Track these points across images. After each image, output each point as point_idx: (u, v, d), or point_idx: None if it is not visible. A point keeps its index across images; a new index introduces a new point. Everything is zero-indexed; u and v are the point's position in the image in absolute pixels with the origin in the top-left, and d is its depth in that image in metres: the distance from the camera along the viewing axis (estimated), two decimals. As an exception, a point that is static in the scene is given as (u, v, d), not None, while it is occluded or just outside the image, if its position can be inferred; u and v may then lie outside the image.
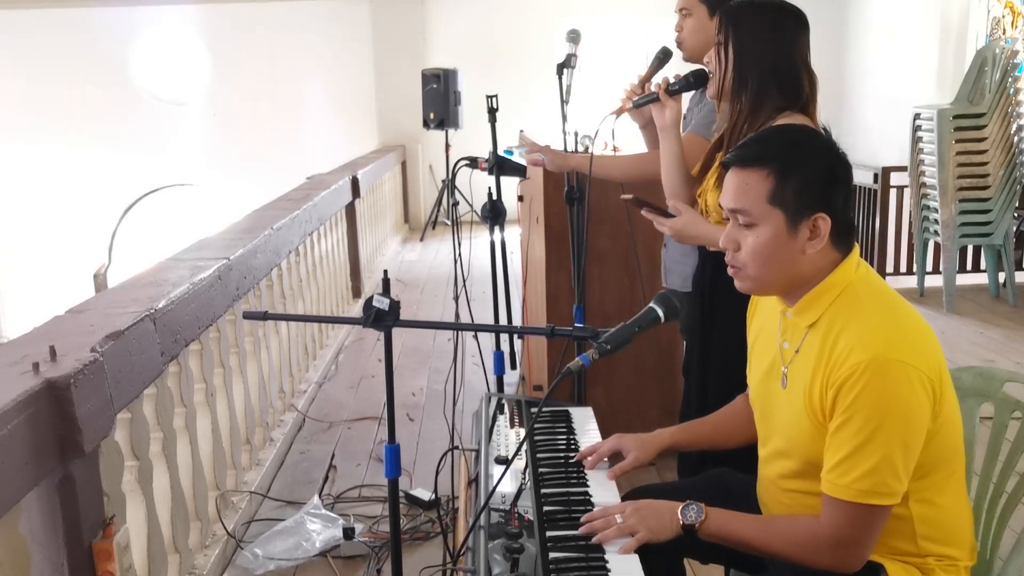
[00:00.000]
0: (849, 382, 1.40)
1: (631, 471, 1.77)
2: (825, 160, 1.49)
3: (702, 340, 2.28)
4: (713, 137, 2.27)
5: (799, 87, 2.04)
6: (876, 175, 6.31)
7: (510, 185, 3.25)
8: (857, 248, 1.54)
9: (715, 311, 2.23)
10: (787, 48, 2.04)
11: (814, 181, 1.46)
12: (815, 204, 1.46)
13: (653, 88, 2.29)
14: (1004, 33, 7.05)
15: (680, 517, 1.53)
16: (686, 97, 2.38)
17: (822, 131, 1.55)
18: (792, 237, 1.47)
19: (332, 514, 3.04)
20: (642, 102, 2.32)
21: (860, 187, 6.33)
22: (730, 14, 2.09)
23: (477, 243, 3.60)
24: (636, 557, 1.46)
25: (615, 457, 1.80)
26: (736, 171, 1.51)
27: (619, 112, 2.45)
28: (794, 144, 1.51)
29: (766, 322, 1.68)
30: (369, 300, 1.65)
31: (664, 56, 2.56)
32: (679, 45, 2.60)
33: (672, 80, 2.29)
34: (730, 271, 1.57)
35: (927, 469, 1.47)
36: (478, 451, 1.88)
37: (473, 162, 2.84)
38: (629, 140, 2.75)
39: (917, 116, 5.71)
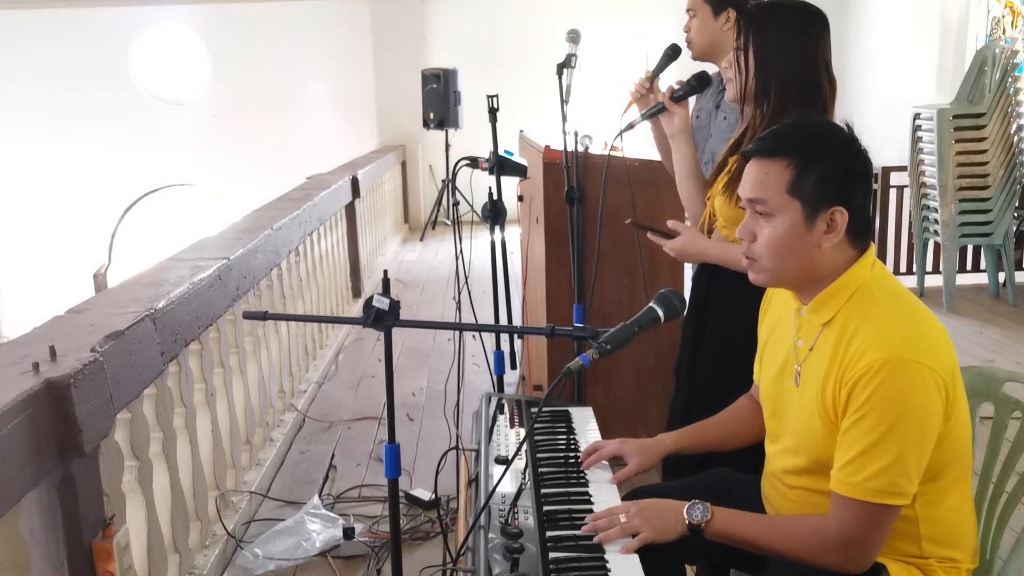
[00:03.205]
0: (863, 380, 1.40)
1: (633, 478, 1.78)
2: (845, 154, 1.49)
3: (694, 341, 2.28)
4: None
5: (819, 94, 2.01)
6: (876, 175, 6.31)
7: (510, 185, 3.25)
8: (873, 247, 1.54)
9: (708, 313, 2.23)
10: (811, 54, 2.00)
11: (833, 174, 1.47)
12: (833, 197, 1.46)
13: (659, 98, 2.31)
14: (1004, 33, 7.05)
15: (686, 516, 1.53)
16: (690, 102, 2.39)
17: (844, 127, 1.54)
18: (808, 229, 1.47)
19: (332, 514, 3.04)
20: (650, 114, 2.34)
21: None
22: (752, 17, 2.04)
23: (477, 243, 3.60)
24: (636, 558, 1.45)
25: (617, 461, 1.80)
26: (757, 161, 1.51)
27: (627, 108, 2.47)
28: (815, 137, 1.51)
29: (779, 320, 1.68)
30: (369, 300, 1.65)
31: (673, 53, 2.56)
32: (688, 45, 2.61)
33: (676, 86, 2.30)
34: (744, 263, 1.57)
35: (936, 471, 1.47)
36: (478, 451, 1.88)
37: (473, 162, 2.84)
38: (632, 141, 2.75)
39: (917, 116, 5.71)
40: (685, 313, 2.29)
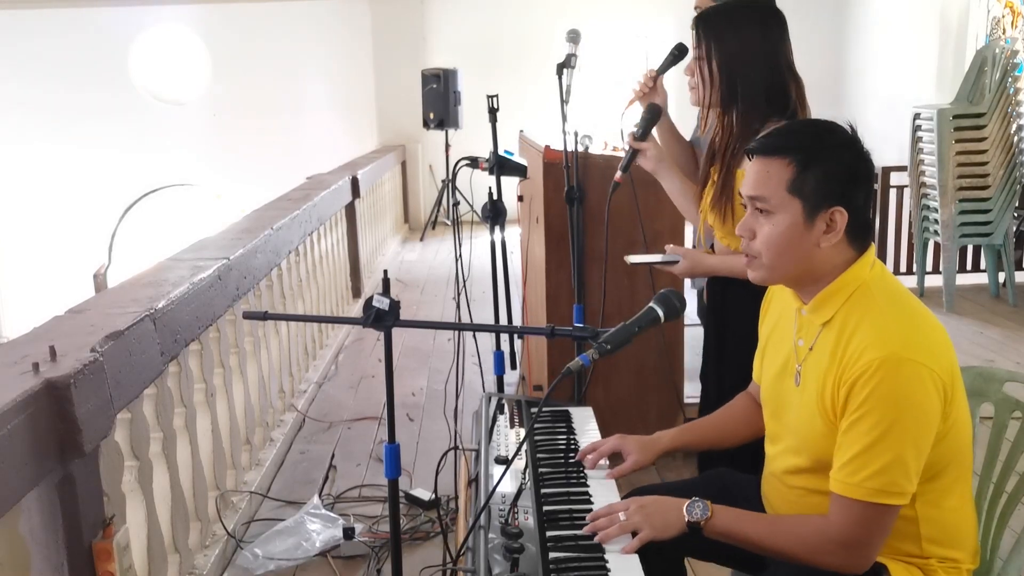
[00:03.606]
0: (862, 379, 1.40)
1: (630, 474, 1.78)
2: (848, 155, 1.49)
3: (717, 348, 2.29)
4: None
5: (786, 95, 2.01)
6: (876, 175, 6.31)
7: (510, 185, 3.25)
8: (873, 248, 1.54)
9: (728, 320, 2.23)
10: (773, 54, 2.00)
11: (834, 174, 1.47)
12: (833, 197, 1.46)
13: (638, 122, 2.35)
14: (1004, 33, 7.06)
15: (685, 514, 1.53)
16: (681, 100, 2.40)
17: (847, 128, 1.55)
18: (808, 228, 1.48)
19: (332, 514, 3.04)
20: (626, 164, 2.34)
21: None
22: (709, 24, 2.03)
23: (477, 243, 3.60)
24: (636, 557, 1.45)
25: (615, 458, 1.80)
26: (759, 159, 1.52)
27: (629, 105, 2.47)
28: (818, 136, 1.52)
29: (780, 319, 1.68)
30: (369, 300, 1.65)
31: (679, 52, 2.56)
32: None
33: (635, 128, 2.33)
34: (744, 260, 1.58)
35: (936, 471, 1.47)
36: (478, 451, 1.88)
37: (473, 162, 2.84)
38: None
39: (917, 116, 5.71)
40: (704, 321, 2.30)
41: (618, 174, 2.37)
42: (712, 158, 2.14)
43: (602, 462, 1.79)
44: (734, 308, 2.19)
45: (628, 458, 1.77)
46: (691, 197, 2.29)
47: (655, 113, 2.34)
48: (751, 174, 1.53)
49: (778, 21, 2.02)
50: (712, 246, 2.29)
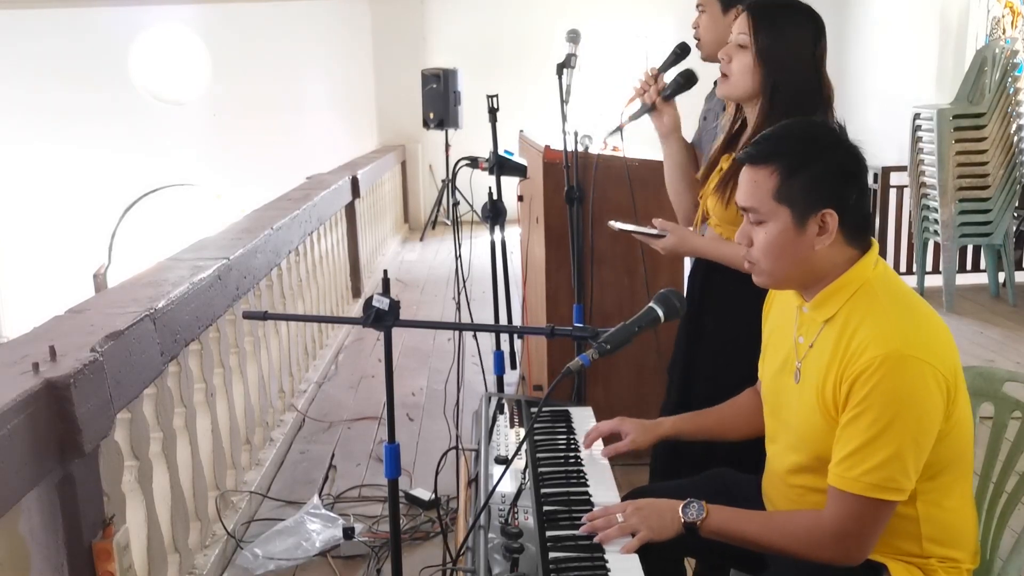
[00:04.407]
0: (864, 376, 1.40)
1: (625, 453, 1.80)
2: (833, 157, 1.49)
3: (689, 340, 2.28)
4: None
5: (819, 101, 2.00)
6: (876, 175, 6.32)
7: (510, 185, 3.25)
8: (876, 246, 1.54)
9: (705, 312, 2.23)
10: (817, 62, 1.98)
11: (821, 177, 1.47)
12: (823, 201, 1.46)
13: (649, 99, 2.29)
14: (1004, 33, 7.06)
15: (681, 515, 1.53)
16: (682, 102, 2.37)
17: (836, 127, 1.54)
18: (800, 233, 1.48)
19: (332, 514, 3.04)
20: (638, 114, 2.30)
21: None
22: (766, 18, 1.98)
23: (477, 243, 3.60)
24: (636, 557, 1.46)
25: (616, 439, 1.81)
26: (748, 169, 1.53)
27: (630, 102, 2.45)
28: (802, 141, 1.52)
29: (781, 317, 1.69)
30: (369, 300, 1.65)
31: (681, 51, 2.53)
32: (696, 44, 2.59)
33: (664, 86, 2.28)
34: (746, 267, 1.59)
35: (937, 470, 1.47)
36: (478, 451, 1.88)
37: (473, 162, 2.84)
38: (633, 141, 2.74)
39: (917, 116, 5.71)
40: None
41: (625, 118, 2.32)
42: (725, 147, 2.13)
43: (604, 463, 1.79)
44: (715, 299, 2.18)
45: (626, 438, 1.79)
46: (686, 176, 2.26)
47: (690, 80, 2.28)
48: (742, 184, 1.54)
49: (822, 25, 2.01)
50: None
